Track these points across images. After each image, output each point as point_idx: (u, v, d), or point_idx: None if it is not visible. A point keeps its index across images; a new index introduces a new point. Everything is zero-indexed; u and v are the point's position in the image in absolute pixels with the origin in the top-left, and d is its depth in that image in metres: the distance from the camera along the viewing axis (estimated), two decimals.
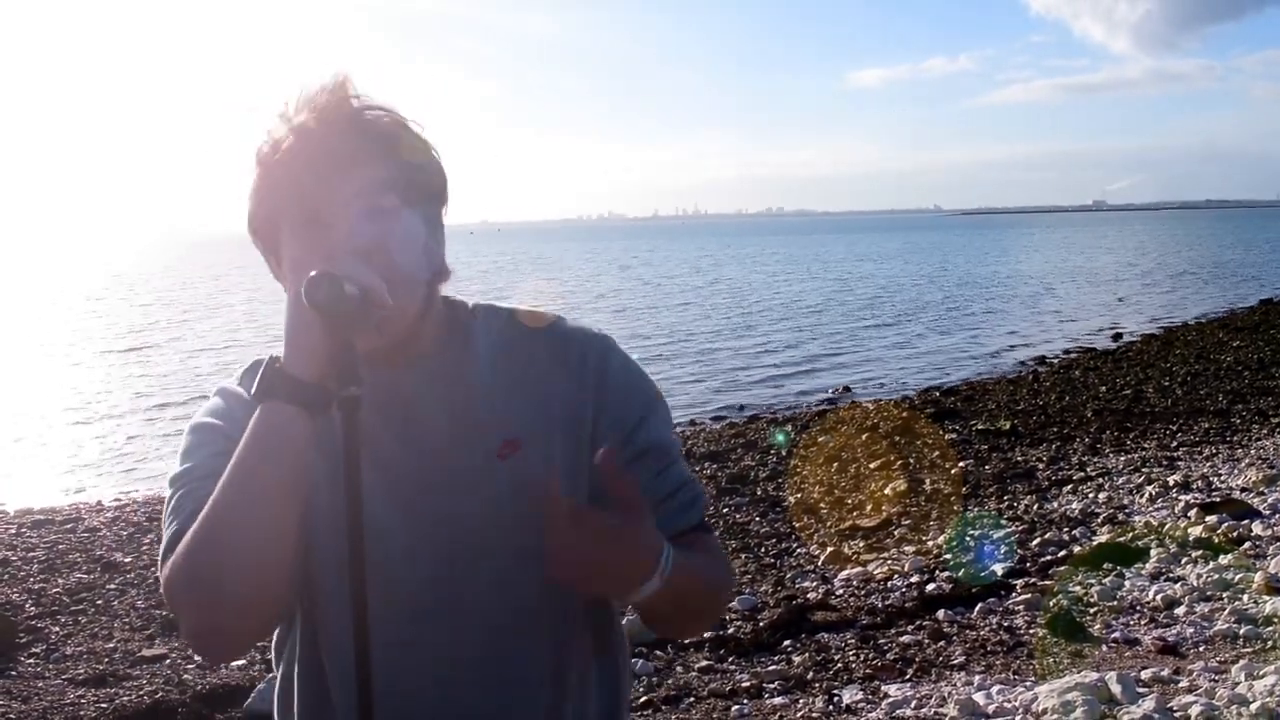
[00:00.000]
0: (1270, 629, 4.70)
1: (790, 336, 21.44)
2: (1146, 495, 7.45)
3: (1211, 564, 5.63)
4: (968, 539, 6.67)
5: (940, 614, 5.30)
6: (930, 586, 5.76)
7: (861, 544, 6.89)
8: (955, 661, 4.70)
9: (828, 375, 16.29)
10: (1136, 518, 6.86)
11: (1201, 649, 4.60)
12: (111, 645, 5.48)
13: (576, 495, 1.30)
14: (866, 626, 5.24)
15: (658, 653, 4.98)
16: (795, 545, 6.94)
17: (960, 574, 5.92)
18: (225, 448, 1.25)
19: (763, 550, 6.86)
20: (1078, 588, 5.43)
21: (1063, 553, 6.19)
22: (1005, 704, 4.05)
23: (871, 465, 9.02)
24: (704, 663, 4.87)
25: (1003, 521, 7.06)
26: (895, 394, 13.94)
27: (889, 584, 5.91)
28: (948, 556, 6.27)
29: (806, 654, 4.91)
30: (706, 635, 5.15)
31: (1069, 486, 7.98)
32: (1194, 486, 7.60)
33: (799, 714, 4.23)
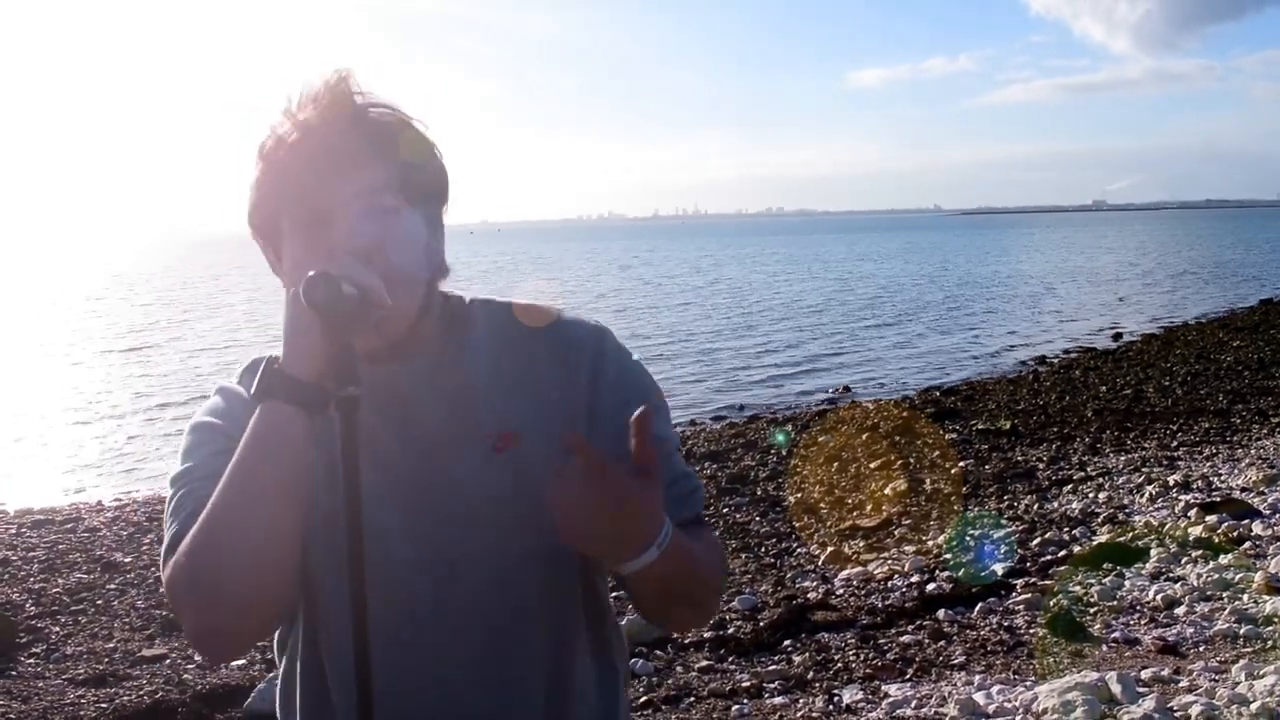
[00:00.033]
0: (1270, 629, 4.70)
1: (791, 336, 21.44)
2: (1147, 495, 7.45)
3: (1212, 564, 5.63)
4: (968, 539, 6.67)
5: (940, 614, 5.30)
6: (930, 586, 5.76)
7: (862, 544, 6.89)
8: (955, 661, 4.70)
9: (828, 375, 16.29)
10: (1137, 517, 6.86)
11: (1202, 649, 4.60)
12: (111, 645, 5.49)
13: None
14: (867, 626, 5.24)
15: (658, 653, 4.99)
16: (795, 545, 6.94)
17: (960, 574, 5.92)
18: (225, 447, 1.25)
19: (763, 550, 6.86)
20: (1078, 587, 5.43)
21: (1063, 552, 6.19)
22: (1005, 704, 4.05)
23: (872, 465, 9.02)
24: (704, 663, 4.87)
25: (1003, 521, 7.06)
26: (895, 394, 13.94)
27: (889, 584, 5.91)
28: (948, 556, 6.27)
29: (807, 654, 4.91)
30: (706, 635, 5.15)
31: (1069, 486, 7.98)
32: (1194, 486, 7.60)
33: (799, 714, 4.23)
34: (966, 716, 4.02)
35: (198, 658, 5.11)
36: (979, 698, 4.13)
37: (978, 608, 5.34)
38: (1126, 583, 5.45)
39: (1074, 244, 74.55)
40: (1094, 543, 6.32)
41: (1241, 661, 4.24)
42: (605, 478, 1.10)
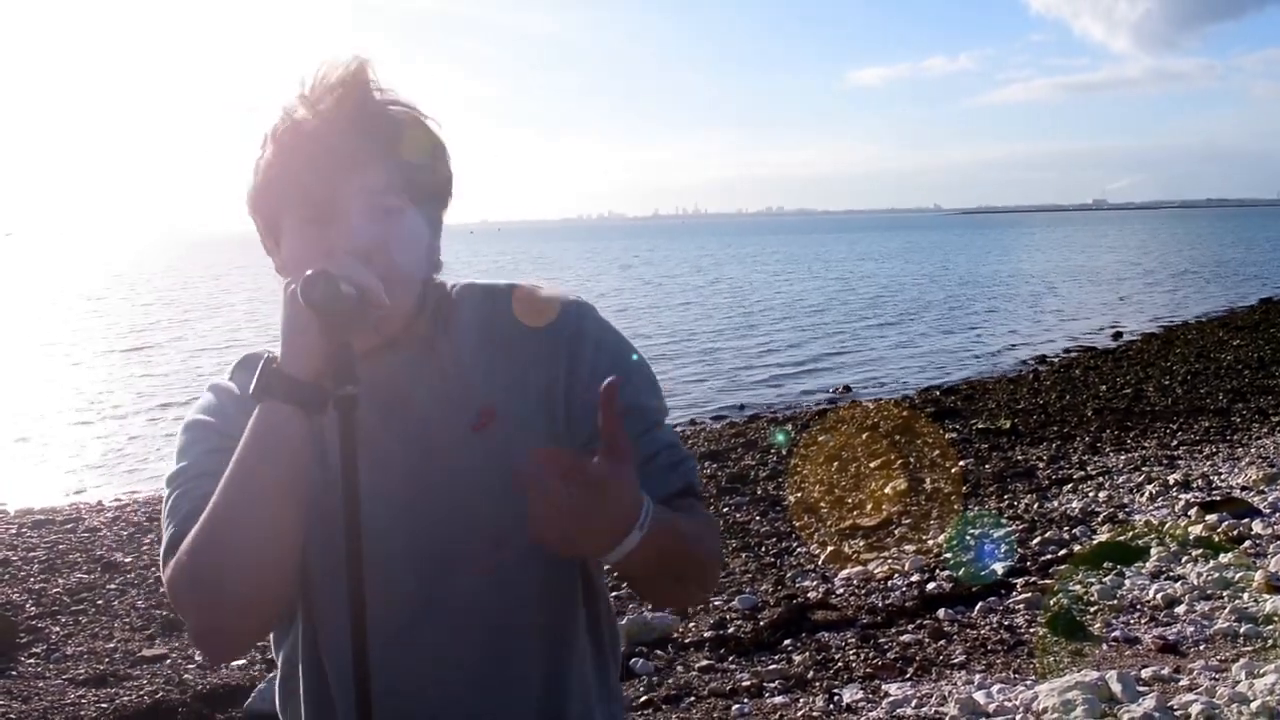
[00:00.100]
0: (1271, 627, 4.70)
1: (791, 336, 21.43)
2: (1147, 494, 7.45)
3: (1212, 562, 5.63)
4: (968, 538, 6.67)
5: (940, 613, 5.30)
6: (930, 585, 5.75)
7: (862, 543, 6.89)
8: (956, 660, 4.69)
9: (828, 375, 16.29)
10: (1137, 516, 6.86)
11: (1202, 647, 4.60)
12: (112, 645, 5.49)
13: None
14: (867, 625, 5.24)
15: (658, 652, 4.99)
16: (795, 544, 6.94)
17: (960, 573, 5.92)
18: (219, 444, 1.25)
19: (763, 549, 6.86)
20: (1078, 586, 5.43)
21: (1063, 551, 6.19)
22: (1006, 703, 4.05)
23: (872, 464, 9.02)
24: (704, 662, 4.87)
25: (1003, 520, 7.06)
26: (895, 393, 13.93)
27: (889, 583, 5.91)
28: (948, 555, 6.27)
29: (807, 653, 4.91)
30: (707, 635, 5.15)
31: (1069, 485, 7.97)
32: (1194, 485, 7.59)
33: (799, 713, 4.23)
34: (967, 716, 4.02)
35: (198, 658, 5.12)
36: (979, 697, 4.13)
37: (978, 607, 5.34)
38: (1127, 582, 5.45)
39: (1074, 243, 74.53)
40: (1094, 542, 6.32)
41: (1242, 660, 4.23)
42: (568, 481, 1.05)
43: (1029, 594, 5.41)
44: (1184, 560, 5.76)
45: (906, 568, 6.08)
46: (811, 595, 5.79)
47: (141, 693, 4.70)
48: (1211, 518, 6.44)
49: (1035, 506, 7.41)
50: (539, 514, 1.06)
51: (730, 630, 5.25)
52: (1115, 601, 5.21)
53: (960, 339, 20.46)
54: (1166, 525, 6.49)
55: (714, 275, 44.90)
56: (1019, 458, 9.14)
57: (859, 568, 6.24)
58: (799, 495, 8.19)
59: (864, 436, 10.09)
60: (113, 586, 6.49)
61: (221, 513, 1.17)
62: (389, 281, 1.20)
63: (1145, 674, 4.19)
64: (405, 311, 1.27)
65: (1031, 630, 4.97)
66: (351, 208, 1.22)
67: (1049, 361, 16.49)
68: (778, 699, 4.38)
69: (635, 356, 1.36)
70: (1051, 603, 5.21)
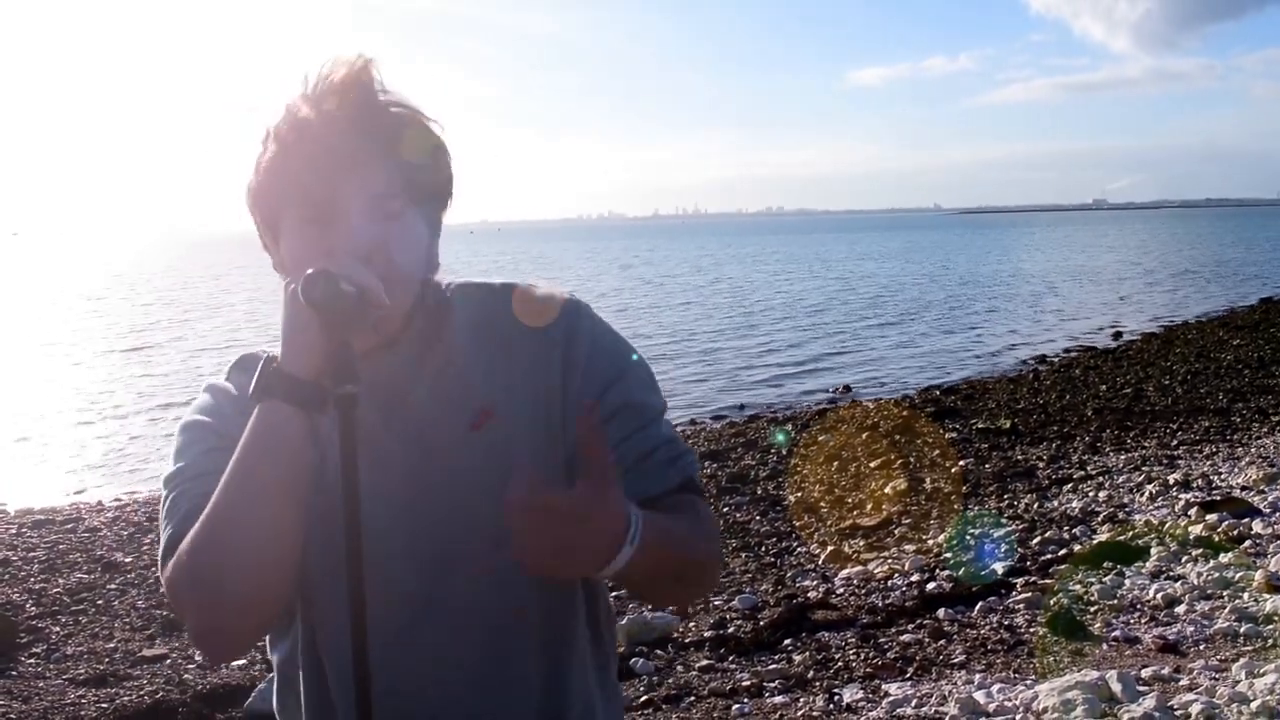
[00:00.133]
0: (1271, 627, 4.70)
1: (792, 336, 21.43)
2: (1147, 494, 7.45)
3: (1212, 562, 5.63)
4: (968, 538, 6.67)
5: (941, 613, 5.30)
6: (931, 585, 5.75)
7: (862, 543, 6.89)
8: (956, 660, 4.69)
9: (828, 375, 16.28)
10: (1137, 516, 6.86)
11: (1202, 647, 4.60)
12: (112, 645, 5.49)
13: (549, 461, 1.29)
14: (867, 625, 5.24)
15: (658, 652, 4.99)
16: (795, 544, 6.94)
17: (960, 573, 5.92)
18: (216, 444, 1.25)
19: (763, 549, 6.86)
20: (1078, 586, 5.43)
21: (1063, 551, 6.19)
22: (1006, 703, 4.05)
23: (872, 464, 9.02)
24: (704, 662, 4.87)
25: (1003, 520, 7.06)
26: (896, 393, 13.93)
27: (889, 583, 5.91)
28: (948, 555, 6.27)
29: (807, 653, 4.91)
30: (707, 634, 5.15)
31: (1069, 485, 7.97)
32: (1194, 485, 7.59)
33: (799, 713, 4.23)
34: (967, 715, 4.02)
35: (198, 658, 5.12)
36: (979, 696, 4.13)
37: (978, 607, 5.34)
38: (1127, 581, 5.45)
39: (1074, 243, 74.51)
40: (1094, 541, 6.32)
41: (1242, 660, 4.23)
42: (550, 512, 1.05)
43: (1029, 594, 5.41)
44: (1184, 560, 5.76)
45: (906, 567, 6.08)
46: (811, 595, 5.79)
47: (141, 693, 4.70)
48: (1211, 517, 6.44)
49: (1035, 506, 7.41)
50: (522, 543, 1.06)
51: (730, 630, 5.25)
52: (1115, 601, 5.21)
53: (960, 339, 20.45)
54: (1166, 525, 6.49)
55: (714, 275, 44.90)
56: (1019, 457, 9.14)
57: (859, 567, 6.24)
58: (799, 495, 8.19)
59: (864, 436, 10.09)
60: (113, 586, 6.49)
61: (221, 512, 1.17)
62: (388, 281, 1.20)
63: (1145, 674, 4.19)
64: (404, 311, 1.27)
65: (1031, 630, 4.97)
66: (352, 208, 1.22)
67: (1049, 361, 16.49)
68: (778, 699, 4.38)
69: (634, 356, 1.36)
70: (1051, 602, 5.21)
